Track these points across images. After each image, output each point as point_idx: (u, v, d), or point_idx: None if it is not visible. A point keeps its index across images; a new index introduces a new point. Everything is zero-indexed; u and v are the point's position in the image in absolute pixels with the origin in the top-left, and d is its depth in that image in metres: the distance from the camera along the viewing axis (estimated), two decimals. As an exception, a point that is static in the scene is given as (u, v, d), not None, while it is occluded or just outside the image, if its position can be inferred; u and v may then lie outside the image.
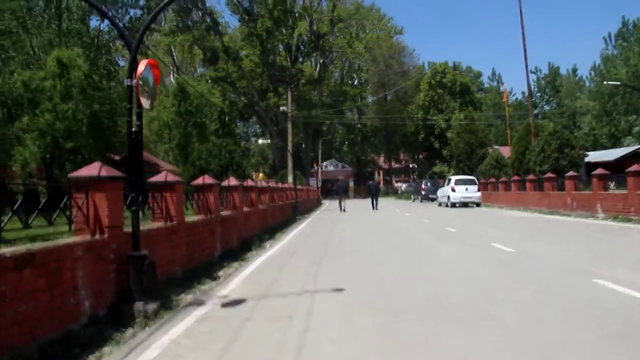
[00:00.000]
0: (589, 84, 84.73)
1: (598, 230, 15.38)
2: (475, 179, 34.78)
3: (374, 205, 34.28)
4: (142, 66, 6.34)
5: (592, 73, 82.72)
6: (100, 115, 34.49)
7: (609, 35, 76.48)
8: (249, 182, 16.10)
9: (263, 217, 17.34)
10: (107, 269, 6.04)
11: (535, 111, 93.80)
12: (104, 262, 5.97)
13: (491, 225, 18.98)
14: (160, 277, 7.40)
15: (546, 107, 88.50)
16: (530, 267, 8.83)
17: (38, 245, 4.94)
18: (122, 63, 53.46)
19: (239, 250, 12.26)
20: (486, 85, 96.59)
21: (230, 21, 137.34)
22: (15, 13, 32.88)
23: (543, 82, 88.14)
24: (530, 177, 27.55)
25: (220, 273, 9.45)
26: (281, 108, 49.57)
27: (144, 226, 7.64)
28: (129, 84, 6.41)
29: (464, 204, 33.29)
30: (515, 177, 30.33)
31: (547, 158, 27.51)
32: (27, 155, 25.01)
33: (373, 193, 36.13)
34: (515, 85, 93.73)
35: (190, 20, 66.34)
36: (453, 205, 32.98)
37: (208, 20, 67.09)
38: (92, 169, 6.09)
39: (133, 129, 6.44)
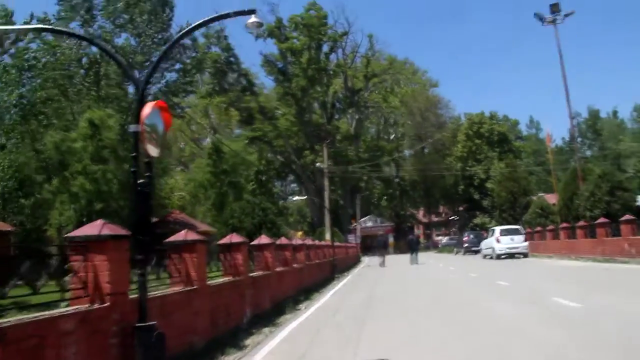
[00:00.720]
0: (631, 125, 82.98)
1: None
2: (521, 229, 33.26)
3: (415, 260, 33.43)
4: (148, 109, 5.59)
5: (635, 114, 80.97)
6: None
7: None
8: (283, 240, 15.24)
9: (298, 276, 16.36)
10: (108, 343, 5.18)
11: (577, 156, 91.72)
12: (103, 336, 5.11)
13: (545, 277, 17.59)
14: (177, 349, 6.54)
15: (588, 152, 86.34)
16: (608, 327, 7.53)
17: (12, 318, 4.13)
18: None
19: (271, 313, 11.30)
20: (524, 133, 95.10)
21: (266, 82, 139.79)
22: (57, 81, 33.55)
23: (584, 126, 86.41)
24: (581, 223, 25.99)
25: (248, 341, 8.49)
26: (317, 164, 49.14)
27: (159, 292, 6.83)
28: (133, 129, 5.68)
29: (510, 255, 31.73)
30: (564, 225, 28.77)
31: (597, 202, 25.89)
32: (61, 219, 24.75)
33: (414, 248, 35.52)
34: (554, 132, 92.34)
35: (226, 82, 67.29)
36: (498, 257, 31.44)
37: (244, 81, 68.01)
38: (92, 228, 5.34)
39: (139, 180, 5.67)
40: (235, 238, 10.19)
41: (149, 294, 6.18)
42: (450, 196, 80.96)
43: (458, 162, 74.08)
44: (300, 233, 57.52)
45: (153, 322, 5.50)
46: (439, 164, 77.25)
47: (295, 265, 16.02)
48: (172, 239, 7.82)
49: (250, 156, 42.00)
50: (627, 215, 21.81)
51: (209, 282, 8.48)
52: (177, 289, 7.34)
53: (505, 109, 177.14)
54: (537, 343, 6.77)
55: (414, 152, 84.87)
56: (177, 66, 41.91)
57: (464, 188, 74.86)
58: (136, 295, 5.61)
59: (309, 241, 20.42)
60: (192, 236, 7.83)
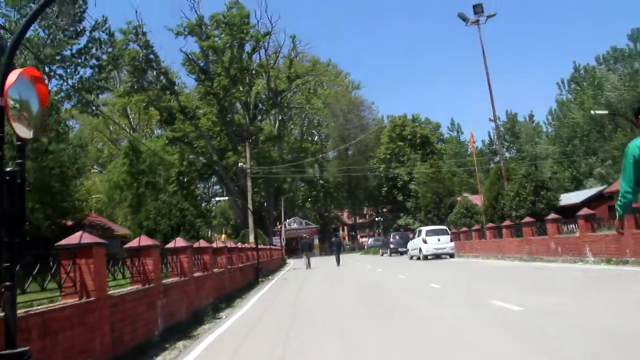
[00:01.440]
0: (546, 129, 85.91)
1: (600, 277, 13.64)
2: (447, 229, 33.17)
3: (338, 261, 34.17)
4: (13, 77, 4.31)
5: (549, 118, 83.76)
6: (48, 179, 32.04)
7: (562, 81, 78.10)
8: (202, 243, 14.02)
9: (219, 282, 15.17)
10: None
11: (497, 158, 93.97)
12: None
13: (477, 277, 17.12)
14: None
15: (506, 154, 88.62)
16: (554, 330, 6.82)
17: None
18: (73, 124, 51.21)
19: (187, 324, 10.13)
20: (446, 135, 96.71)
21: (187, 81, 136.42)
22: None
23: (502, 129, 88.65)
24: (507, 223, 26.01)
25: (159, 359, 7.36)
26: (240, 164, 47.79)
27: (41, 307, 5.59)
28: (-2, 104, 4.41)
29: (436, 256, 31.55)
30: (490, 224, 28.79)
31: (522, 202, 25.98)
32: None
33: (336, 249, 36.58)
34: (475, 134, 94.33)
35: (145, 81, 64.71)
36: (425, 257, 31.18)
37: (163, 80, 65.63)
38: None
39: (8, 169, 4.44)
40: (144, 241, 8.98)
41: (28, 310, 4.99)
42: (374, 198, 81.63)
43: (381, 164, 74.77)
44: (224, 236, 55.96)
45: (24, 348, 4.30)
46: (363, 166, 77.56)
47: (215, 270, 14.83)
48: (64, 242, 6.60)
49: (170, 156, 40.20)
50: (552, 215, 21.79)
51: (111, 292, 7.28)
52: (68, 301, 6.11)
53: (427, 111, 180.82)
54: (484, 351, 5.97)
55: (338, 154, 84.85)
56: (93, 62, 39.67)
57: (387, 190, 75.84)
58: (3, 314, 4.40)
59: (230, 244, 19.23)
60: (88, 239, 6.61)
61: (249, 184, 33.80)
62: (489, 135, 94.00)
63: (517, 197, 26.40)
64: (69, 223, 36.06)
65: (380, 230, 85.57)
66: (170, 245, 11.22)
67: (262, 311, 12.55)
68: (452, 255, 31.37)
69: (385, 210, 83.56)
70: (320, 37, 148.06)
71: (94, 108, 44.39)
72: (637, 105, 6.67)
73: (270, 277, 27.88)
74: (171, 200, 17.00)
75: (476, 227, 31.76)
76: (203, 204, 74.75)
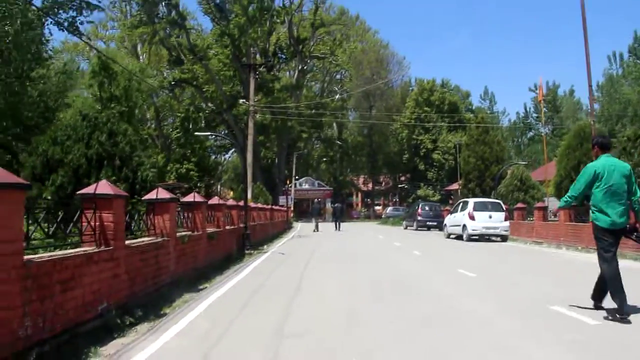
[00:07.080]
0: (588, 105, 79.13)
1: None
2: (501, 204, 25.59)
3: (337, 227, 36.44)
4: None
5: (595, 94, 76.27)
6: (22, 109, 25.92)
7: (614, 54, 71.00)
8: (102, 187, 6.81)
9: (150, 264, 8.03)
10: None
11: (531, 133, 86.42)
12: None
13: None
14: None
15: (542, 130, 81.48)
16: None
17: None
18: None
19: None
20: (476, 105, 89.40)
21: (203, 23, 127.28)
22: None
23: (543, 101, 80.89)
24: (599, 202, 18.64)
25: None
26: (240, 101, 40.70)
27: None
28: None
29: (481, 237, 24.24)
30: (566, 203, 21.35)
31: (624, 175, 18.40)
32: None
33: (337, 216, 39.13)
34: (509, 106, 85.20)
35: (155, 16, 57.66)
36: (469, 238, 23.95)
37: (173, 13, 58.44)
38: None
39: None
40: None
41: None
42: (393, 164, 76.19)
43: (405, 130, 69.68)
44: (231, 193, 49.46)
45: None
46: (386, 128, 72.35)
47: (142, 242, 7.95)
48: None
49: (148, 78, 33.13)
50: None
51: None
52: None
53: (457, 80, 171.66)
54: None
55: (359, 113, 78.36)
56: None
57: (408, 157, 71.02)
58: None
59: (199, 198, 12.15)
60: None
61: (251, 124, 26.63)
62: (525, 108, 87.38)
63: (615, 167, 18.77)
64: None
65: (396, 200, 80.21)
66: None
67: (224, 327, 5.59)
68: (504, 239, 24.09)
69: (403, 178, 78.13)
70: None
71: (77, 28, 37.57)
72: (597, 139, 6.93)
73: (264, 246, 20.86)
74: (96, 116, 10.09)
75: (539, 204, 24.35)
76: (212, 157, 68.07)
